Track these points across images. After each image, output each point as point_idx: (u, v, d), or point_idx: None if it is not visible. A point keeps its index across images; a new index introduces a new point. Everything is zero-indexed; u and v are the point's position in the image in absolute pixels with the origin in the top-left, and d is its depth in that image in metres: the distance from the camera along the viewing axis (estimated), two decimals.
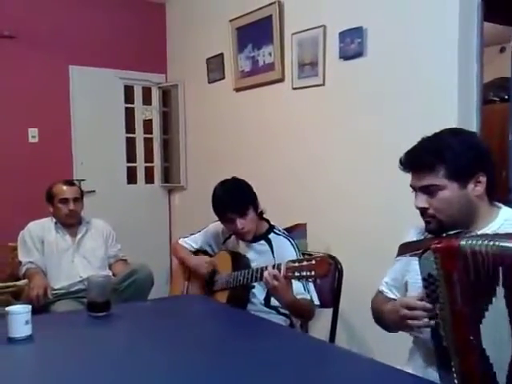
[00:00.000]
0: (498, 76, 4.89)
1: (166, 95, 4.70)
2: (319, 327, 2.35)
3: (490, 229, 1.39)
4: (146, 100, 4.78)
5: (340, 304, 2.29)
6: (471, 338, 1.15)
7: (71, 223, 2.95)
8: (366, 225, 2.88)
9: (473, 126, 2.43)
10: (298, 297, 2.06)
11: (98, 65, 4.35)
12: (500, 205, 1.47)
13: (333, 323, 2.27)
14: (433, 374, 1.32)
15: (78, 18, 4.28)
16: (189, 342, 1.52)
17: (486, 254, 1.13)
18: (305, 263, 1.85)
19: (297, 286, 2.09)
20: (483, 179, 1.41)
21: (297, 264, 1.87)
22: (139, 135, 4.75)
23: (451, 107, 2.47)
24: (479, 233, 1.37)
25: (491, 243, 1.13)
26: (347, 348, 2.40)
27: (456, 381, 1.20)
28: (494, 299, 1.10)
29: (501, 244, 1.12)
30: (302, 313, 2.11)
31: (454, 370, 1.21)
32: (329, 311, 2.28)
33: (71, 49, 4.26)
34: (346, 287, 2.30)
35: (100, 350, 1.46)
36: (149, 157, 4.80)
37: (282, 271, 1.91)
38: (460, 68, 2.46)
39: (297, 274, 1.87)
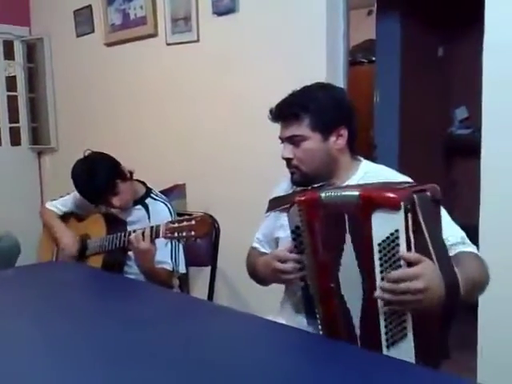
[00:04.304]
0: (366, 38, 5.12)
1: (31, 50, 4.30)
2: (200, 286, 2.37)
3: (351, 181, 1.47)
4: (9, 55, 4.33)
5: (219, 262, 2.32)
6: (332, 285, 1.21)
7: None
8: (243, 183, 2.91)
9: (340, 85, 2.52)
10: (161, 265, 2.10)
11: None
12: (361, 158, 1.55)
13: (211, 281, 2.30)
14: (302, 320, 1.39)
15: None
16: (57, 311, 1.44)
17: (335, 204, 1.19)
18: (185, 223, 1.85)
19: (164, 253, 2.09)
20: (345, 133, 1.47)
21: (176, 225, 1.87)
22: (2, 93, 4.31)
23: (320, 67, 2.53)
24: (343, 185, 1.44)
25: (341, 193, 1.20)
26: (227, 304, 2.46)
27: (320, 327, 1.27)
28: (344, 246, 1.17)
29: (346, 193, 1.20)
30: (155, 281, 2.05)
31: (318, 316, 1.27)
32: (208, 270, 2.31)
33: None
34: (224, 246, 2.33)
35: None
36: (14, 116, 4.39)
37: (161, 232, 1.90)
38: (328, 28, 2.52)
39: (176, 234, 1.87)
